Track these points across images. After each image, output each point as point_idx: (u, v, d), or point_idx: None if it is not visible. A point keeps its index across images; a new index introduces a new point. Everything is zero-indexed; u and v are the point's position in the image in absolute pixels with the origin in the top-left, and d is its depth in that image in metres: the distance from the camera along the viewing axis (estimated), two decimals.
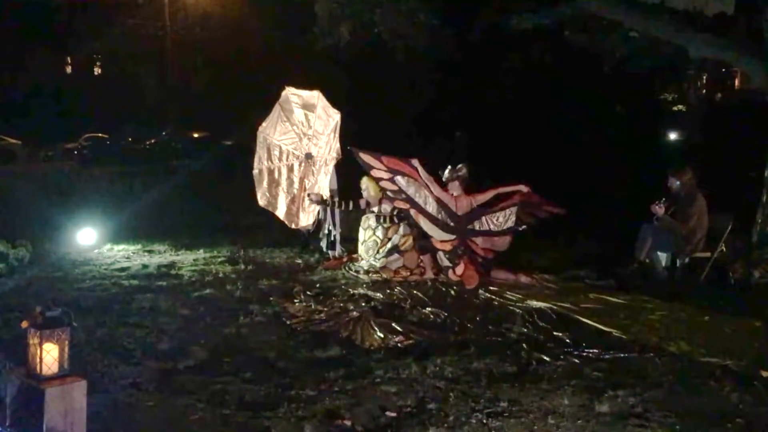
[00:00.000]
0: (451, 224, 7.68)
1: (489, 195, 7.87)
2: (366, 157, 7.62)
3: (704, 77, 28.72)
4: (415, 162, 7.72)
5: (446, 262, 7.53)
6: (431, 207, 7.64)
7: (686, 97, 27.73)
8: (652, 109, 23.61)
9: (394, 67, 18.08)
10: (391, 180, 7.56)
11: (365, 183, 8.12)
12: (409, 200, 7.57)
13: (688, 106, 26.36)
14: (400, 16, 12.36)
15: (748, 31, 8.67)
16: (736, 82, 28.16)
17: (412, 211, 7.61)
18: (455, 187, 7.85)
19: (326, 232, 8.90)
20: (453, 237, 7.62)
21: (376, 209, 8.08)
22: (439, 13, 13.34)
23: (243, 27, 31.82)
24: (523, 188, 7.80)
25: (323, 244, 8.97)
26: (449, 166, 7.98)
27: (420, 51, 14.75)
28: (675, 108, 27.60)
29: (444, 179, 7.94)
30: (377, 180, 7.62)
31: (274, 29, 28.66)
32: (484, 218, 7.75)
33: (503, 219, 7.74)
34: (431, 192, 7.66)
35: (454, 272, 7.41)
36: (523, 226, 7.73)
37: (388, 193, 7.65)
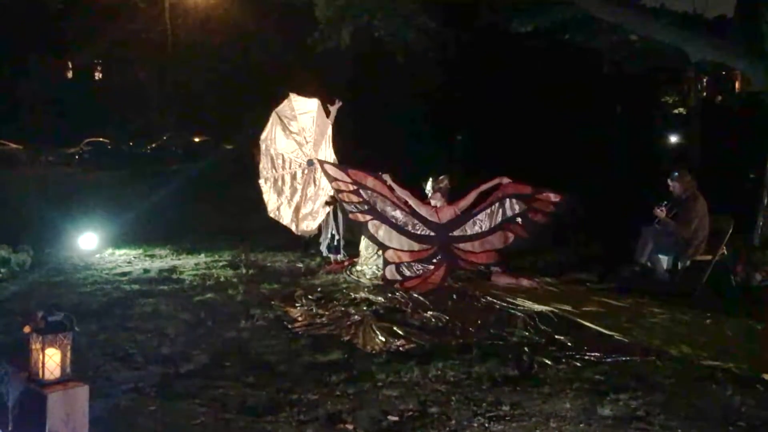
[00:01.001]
0: (431, 234, 7.70)
1: (471, 198, 7.88)
2: (330, 169, 7.76)
3: (704, 79, 28.73)
4: (387, 177, 7.80)
5: (396, 276, 7.46)
6: (400, 220, 7.66)
7: (686, 99, 27.72)
8: (653, 111, 23.64)
9: (395, 70, 18.10)
10: (356, 192, 7.62)
11: None
12: (372, 212, 7.59)
13: (689, 109, 26.35)
14: (400, 20, 12.39)
15: (748, 33, 8.66)
16: (737, 84, 28.15)
17: (372, 224, 7.59)
18: (437, 198, 7.95)
19: (329, 236, 8.92)
20: (428, 246, 7.63)
21: None
22: (439, 17, 13.37)
23: (243, 31, 31.88)
24: (503, 180, 7.82)
25: (323, 248, 8.99)
26: (430, 178, 8.10)
27: (420, 54, 14.78)
28: (675, 110, 27.61)
29: (426, 191, 8.04)
30: (337, 192, 7.69)
31: (275, 33, 28.70)
32: (471, 221, 7.76)
33: (493, 215, 7.75)
34: (404, 206, 7.71)
35: (402, 285, 7.34)
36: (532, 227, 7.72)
37: (346, 206, 7.69)
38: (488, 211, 7.74)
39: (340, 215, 8.79)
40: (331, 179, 7.70)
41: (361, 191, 7.61)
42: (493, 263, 7.75)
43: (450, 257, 7.62)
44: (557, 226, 8.01)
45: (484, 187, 7.89)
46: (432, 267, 7.55)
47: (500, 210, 7.73)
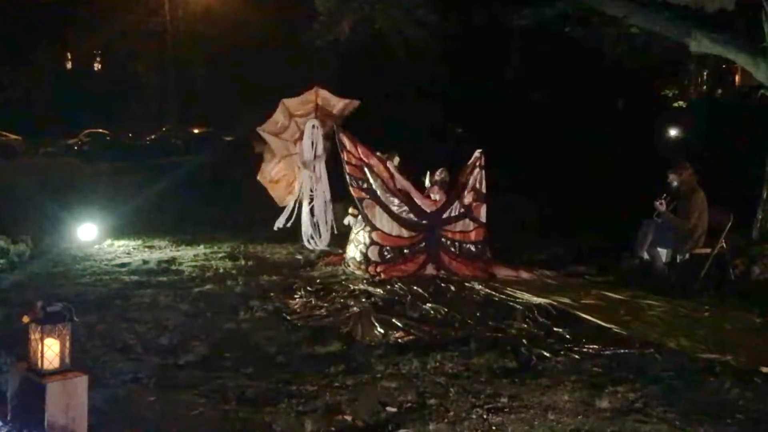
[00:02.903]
0: (424, 222, 7.81)
1: (459, 181, 8.04)
2: (345, 139, 7.86)
3: (705, 73, 28.65)
4: (391, 165, 7.95)
5: (377, 258, 7.63)
6: (394, 206, 7.77)
7: (686, 93, 27.65)
8: (653, 104, 23.57)
9: (395, 62, 18.06)
10: (360, 168, 7.78)
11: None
12: (370, 191, 7.75)
13: (689, 102, 26.28)
14: (400, 12, 12.37)
15: (748, 27, 8.65)
16: (737, 78, 28.10)
17: (367, 202, 7.74)
18: (435, 192, 8.09)
19: (307, 229, 9.03)
20: (416, 234, 7.76)
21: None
22: (439, 9, 13.34)
23: (243, 22, 31.80)
24: (477, 153, 8.02)
25: (305, 242, 9.09)
26: (428, 171, 8.17)
27: (420, 47, 14.75)
28: (675, 104, 27.52)
29: (426, 185, 8.13)
30: (346, 162, 7.80)
31: (275, 24, 28.63)
32: (458, 201, 7.90)
33: (476, 187, 7.89)
34: (400, 194, 7.80)
35: (375, 269, 7.51)
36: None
37: (348, 178, 7.79)
38: (471, 185, 7.91)
39: (316, 206, 8.89)
40: (342, 147, 7.84)
41: (365, 168, 7.78)
42: (484, 240, 7.84)
43: (434, 250, 7.70)
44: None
45: (464, 168, 8.06)
46: (411, 254, 7.68)
47: (478, 182, 7.92)
